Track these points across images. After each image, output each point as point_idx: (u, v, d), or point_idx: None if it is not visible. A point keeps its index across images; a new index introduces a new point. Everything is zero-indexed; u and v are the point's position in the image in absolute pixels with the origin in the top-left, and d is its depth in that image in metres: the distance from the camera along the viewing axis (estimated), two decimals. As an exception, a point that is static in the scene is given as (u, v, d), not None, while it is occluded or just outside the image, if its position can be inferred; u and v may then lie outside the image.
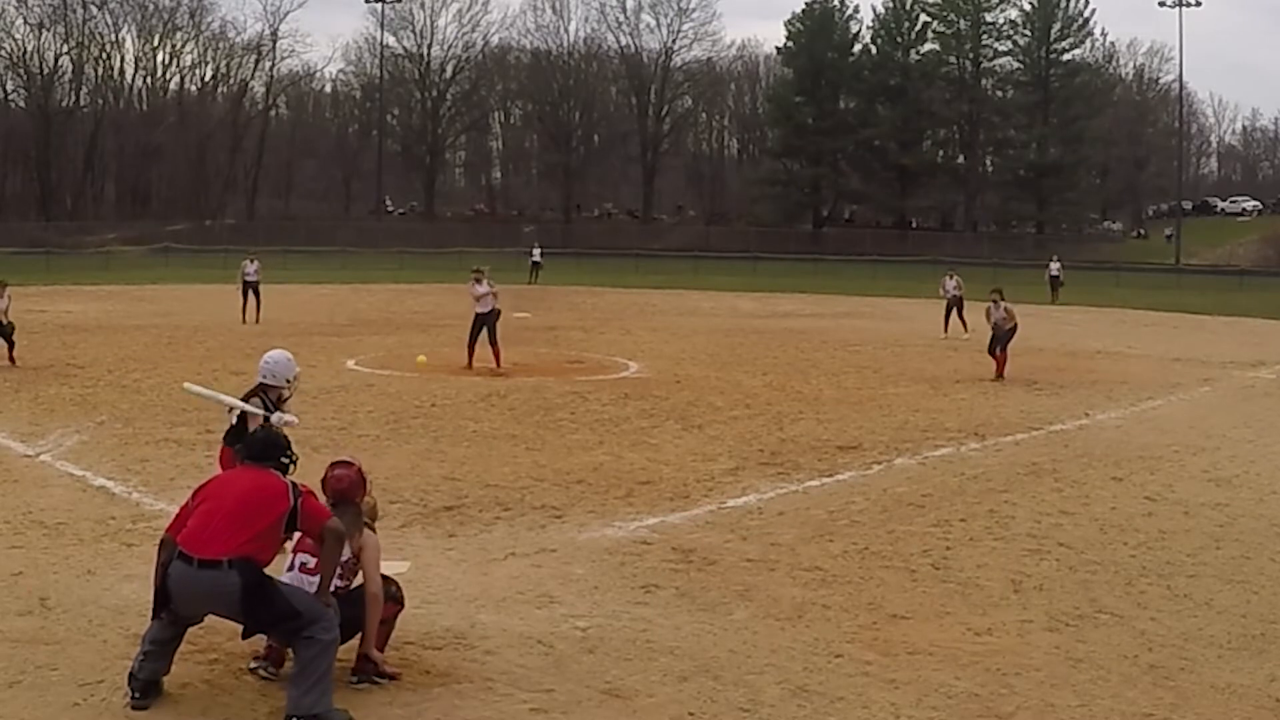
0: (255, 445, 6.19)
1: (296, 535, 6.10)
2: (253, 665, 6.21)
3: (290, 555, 6.26)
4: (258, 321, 27.81)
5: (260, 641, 6.17)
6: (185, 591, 5.63)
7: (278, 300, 33.79)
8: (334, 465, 6.45)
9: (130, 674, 5.75)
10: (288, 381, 8.30)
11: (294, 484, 5.93)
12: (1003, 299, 20.85)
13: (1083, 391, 18.39)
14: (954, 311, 28.17)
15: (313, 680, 5.54)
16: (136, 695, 5.72)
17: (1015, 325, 20.62)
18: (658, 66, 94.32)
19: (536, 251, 51.59)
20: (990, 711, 5.99)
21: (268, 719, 5.65)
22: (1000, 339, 20.44)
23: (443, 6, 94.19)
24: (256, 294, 28.79)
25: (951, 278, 29.11)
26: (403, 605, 6.44)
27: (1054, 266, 45.07)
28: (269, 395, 8.18)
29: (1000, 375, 19.99)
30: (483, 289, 19.95)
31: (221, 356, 20.68)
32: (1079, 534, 9.55)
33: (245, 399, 8.09)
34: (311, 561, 6.07)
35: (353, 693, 5.95)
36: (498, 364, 19.48)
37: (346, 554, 6.10)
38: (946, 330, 27.76)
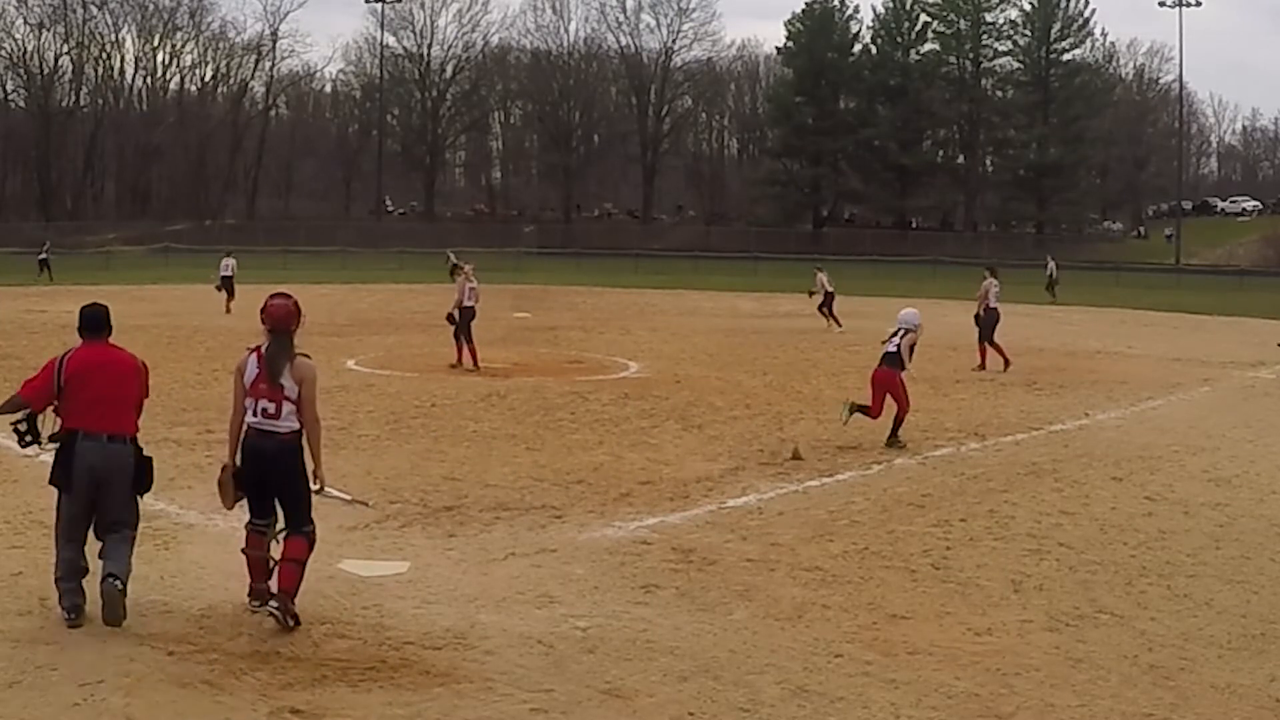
0: (90, 320, 7.05)
1: (251, 382, 6.93)
2: (257, 605, 6.95)
3: (251, 401, 6.94)
4: (227, 311, 29.92)
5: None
6: (98, 464, 6.72)
7: (278, 300, 33.70)
8: (273, 296, 7.19)
9: (62, 604, 6.75)
10: (916, 326, 13.52)
11: (139, 361, 7.11)
12: (993, 275, 21.72)
13: (1083, 391, 18.38)
14: (826, 306, 29.71)
15: (130, 557, 6.86)
16: (73, 616, 6.71)
17: (995, 309, 21.28)
18: (658, 66, 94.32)
19: (451, 254, 52.22)
20: (990, 711, 5.99)
21: (268, 719, 5.66)
22: (985, 324, 21.12)
23: (443, 6, 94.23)
24: (230, 289, 31.52)
25: (821, 272, 30.94)
26: (313, 545, 7.02)
27: (1051, 266, 46.16)
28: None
29: (1006, 364, 20.64)
30: (473, 284, 20.29)
31: (222, 356, 20.65)
32: (1079, 534, 9.55)
33: None
34: (272, 407, 6.90)
35: (352, 692, 5.95)
36: (458, 360, 19.63)
37: (293, 390, 6.90)
38: (838, 324, 28.98)
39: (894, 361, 13.32)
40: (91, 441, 6.72)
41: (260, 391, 6.96)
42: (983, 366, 20.89)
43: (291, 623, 6.74)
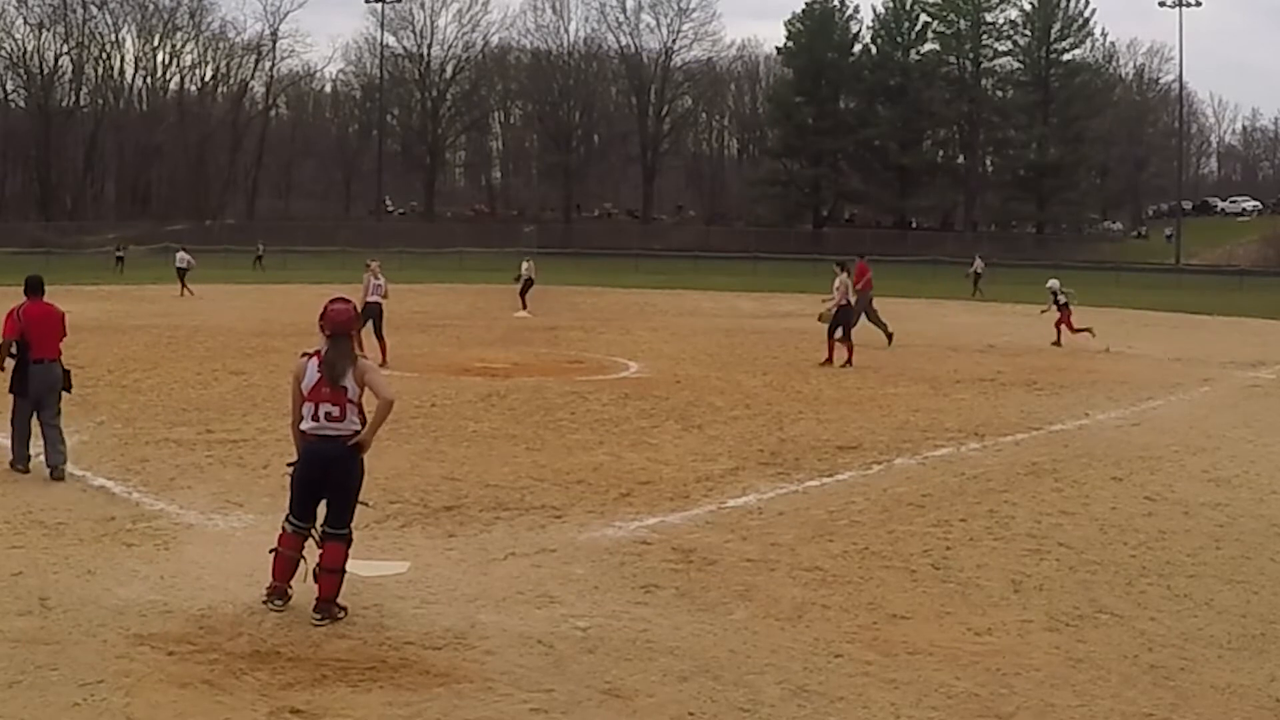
0: (32, 282, 10.91)
1: (311, 387, 7.07)
2: (265, 599, 7.14)
3: (311, 406, 7.08)
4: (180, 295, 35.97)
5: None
6: (43, 378, 10.67)
7: (278, 300, 33.77)
8: (333, 300, 7.37)
9: (15, 467, 10.64)
10: None
11: (60, 310, 11.00)
12: (843, 270, 21.91)
13: (1083, 391, 18.38)
14: (525, 292, 33.40)
15: (63, 443, 10.67)
16: (22, 467, 10.64)
17: (849, 305, 21.47)
18: (658, 66, 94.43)
19: (260, 246, 58.14)
20: (990, 711, 5.98)
21: (268, 719, 5.66)
22: (838, 319, 21.31)
23: (443, 6, 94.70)
24: (183, 278, 37.96)
25: (526, 262, 34.96)
26: (349, 549, 7.20)
27: (978, 263, 48.49)
28: None
29: (846, 360, 20.95)
30: (379, 281, 20.25)
31: (221, 356, 20.69)
32: (1079, 534, 9.55)
33: None
34: (336, 410, 7.05)
35: (351, 692, 5.95)
36: (384, 359, 19.18)
37: (355, 392, 7.08)
38: (526, 308, 32.57)
39: None
40: (38, 365, 10.66)
41: (323, 396, 7.05)
42: (830, 361, 21.04)
43: (341, 615, 6.99)
